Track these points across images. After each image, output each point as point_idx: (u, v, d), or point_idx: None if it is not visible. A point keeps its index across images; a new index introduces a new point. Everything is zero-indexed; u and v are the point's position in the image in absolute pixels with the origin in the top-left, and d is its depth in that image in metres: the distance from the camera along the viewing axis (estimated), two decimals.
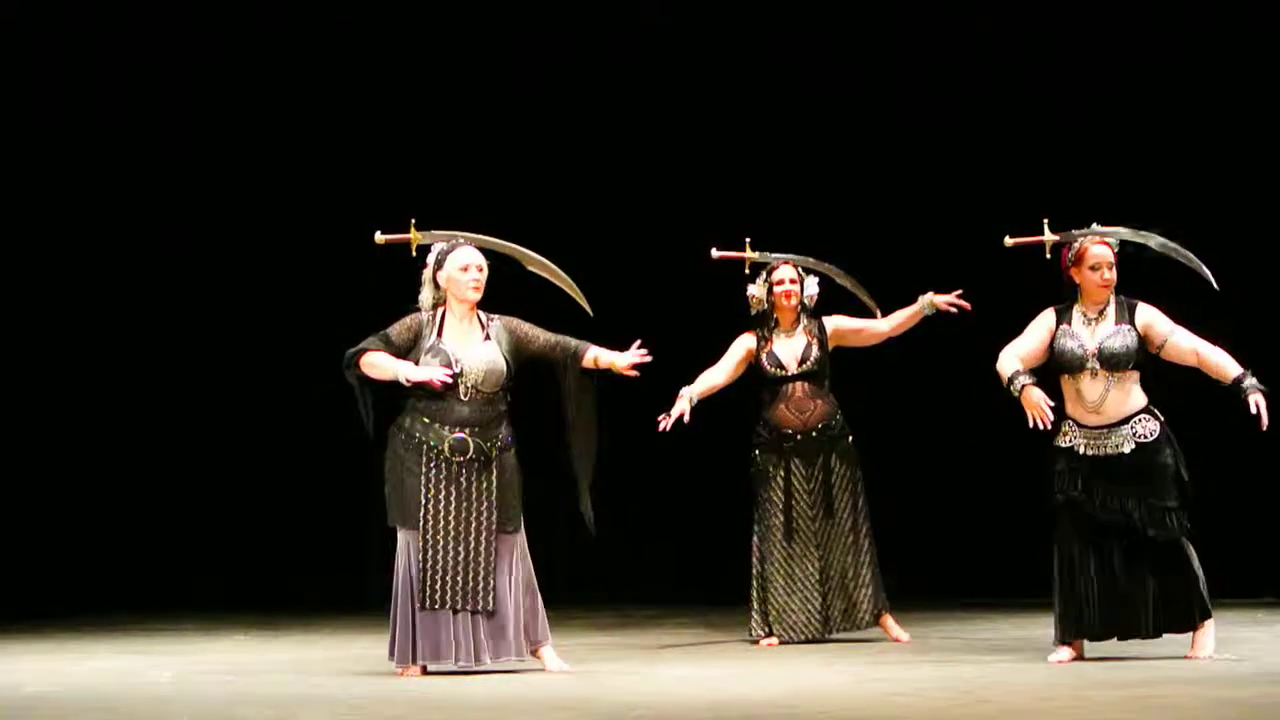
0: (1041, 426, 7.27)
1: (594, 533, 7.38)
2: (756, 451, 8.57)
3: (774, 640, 8.48)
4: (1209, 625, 7.48)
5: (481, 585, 7.17)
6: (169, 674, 7.52)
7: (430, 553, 7.16)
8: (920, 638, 8.68)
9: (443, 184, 10.93)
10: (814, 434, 8.51)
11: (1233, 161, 11.12)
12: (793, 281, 8.58)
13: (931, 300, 8.47)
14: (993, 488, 10.58)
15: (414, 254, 7.46)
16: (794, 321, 8.58)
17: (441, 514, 7.20)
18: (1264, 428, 7.29)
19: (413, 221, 7.50)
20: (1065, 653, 7.44)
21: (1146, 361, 7.44)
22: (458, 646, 7.16)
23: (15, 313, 11.45)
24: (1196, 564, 7.43)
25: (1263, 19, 11.03)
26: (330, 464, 10.77)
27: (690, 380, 8.37)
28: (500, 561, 7.23)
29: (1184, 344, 7.42)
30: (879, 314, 8.76)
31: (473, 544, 7.18)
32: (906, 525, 10.87)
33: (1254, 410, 7.29)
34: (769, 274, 8.61)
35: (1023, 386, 7.29)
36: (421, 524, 7.17)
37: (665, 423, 8.18)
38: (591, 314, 7.74)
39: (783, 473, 8.52)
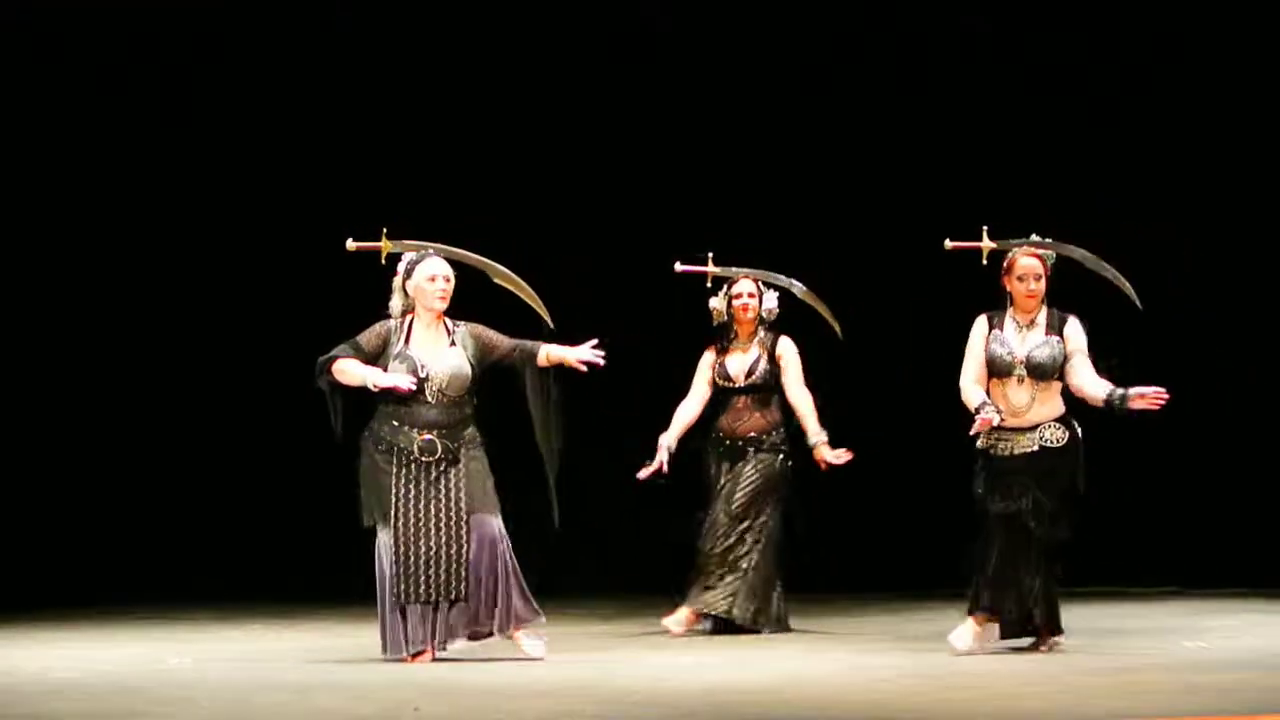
0: (974, 431, 7.46)
1: (559, 528, 7.59)
2: (707, 449, 8.86)
3: (701, 622, 8.69)
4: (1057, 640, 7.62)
5: (454, 576, 7.39)
6: (189, 660, 7.71)
7: (404, 549, 7.40)
8: (903, 627, 8.93)
9: (412, 193, 10.95)
10: (741, 443, 8.75)
11: (1178, 170, 11.30)
12: (751, 295, 8.81)
13: (818, 450, 8.69)
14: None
15: (384, 262, 7.68)
16: (751, 334, 8.83)
17: (413, 512, 7.43)
18: (1163, 398, 7.40)
19: (384, 231, 7.72)
20: (970, 629, 7.57)
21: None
22: (432, 635, 7.40)
23: (39, 316, 11.59)
24: (1050, 577, 7.56)
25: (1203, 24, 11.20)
26: (342, 459, 10.90)
27: (662, 407, 8.73)
28: (469, 546, 7.43)
29: (1073, 369, 7.54)
30: (839, 331, 9.00)
31: (443, 537, 7.41)
32: (888, 518, 11.08)
33: (1142, 404, 7.40)
34: (729, 287, 8.86)
35: (989, 412, 7.46)
36: (394, 522, 7.42)
37: (644, 472, 8.58)
38: (552, 326, 7.94)
39: (714, 475, 8.78)
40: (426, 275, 7.54)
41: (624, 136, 11.55)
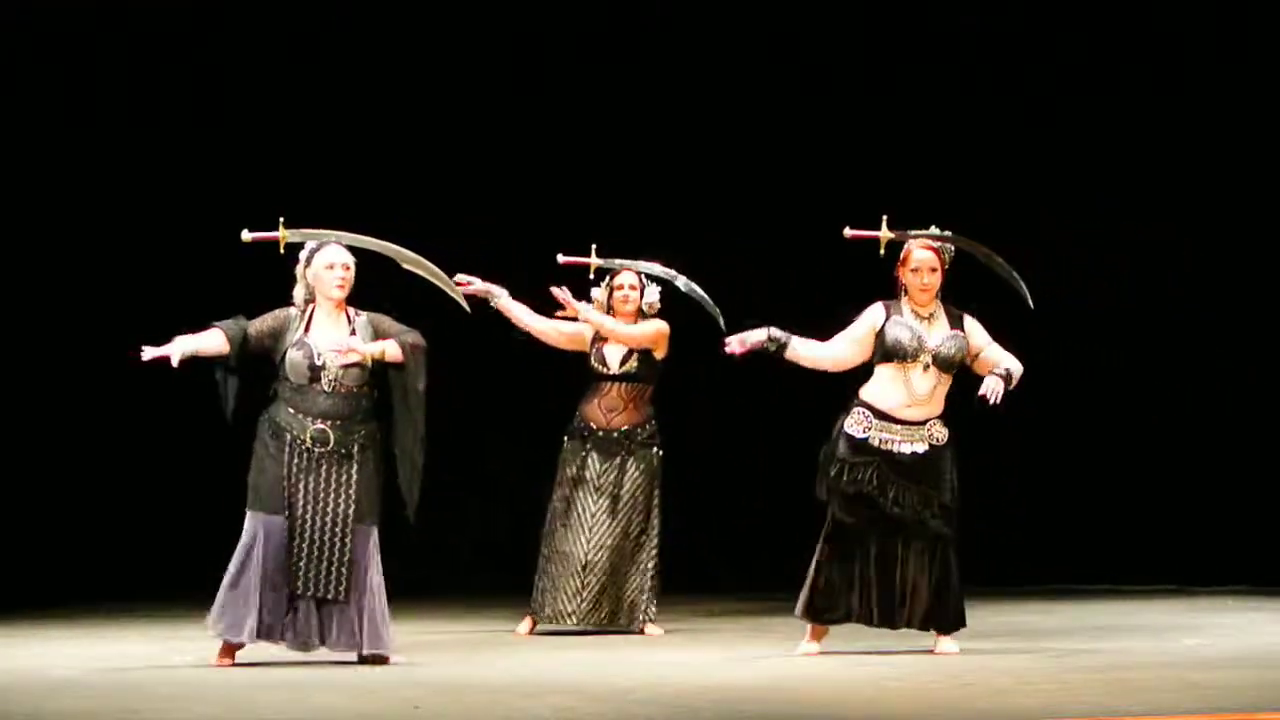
0: (732, 349, 7.46)
1: (413, 522, 7.49)
2: (565, 438, 8.81)
3: (529, 622, 8.73)
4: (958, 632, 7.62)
5: (334, 573, 7.33)
6: (190, 659, 7.73)
7: (293, 540, 7.34)
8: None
9: (314, 181, 10.88)
10: (615, 435, 8.72)
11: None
12: (632, 288, 8.79)
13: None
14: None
15: (283, 252, 7.57)
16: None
17: (302, 502, 7.37)
18: (990, 401, 7.42)
19: (281, 220, 7.61)
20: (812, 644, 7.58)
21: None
22: (293, 630, 7.34)
23: (42, 319, 11.60)
24: (956, 572, 7.55)
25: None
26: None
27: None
28: (358, 552, 7.38)
29: (987, 359, 7.55)
30: (722, 324, 8.82)
31: (328, 533, 7.35)
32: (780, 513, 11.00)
33: (986, 391, 7.45)
34: (611, 279, 8.84)
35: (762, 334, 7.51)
36: (286, 511, 7.36)
37: (463, 278, 8.20)
38: (469, 311, 7.87)
39: (578, 465, 8.72)
40: (325, 263, 7.47)
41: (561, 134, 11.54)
